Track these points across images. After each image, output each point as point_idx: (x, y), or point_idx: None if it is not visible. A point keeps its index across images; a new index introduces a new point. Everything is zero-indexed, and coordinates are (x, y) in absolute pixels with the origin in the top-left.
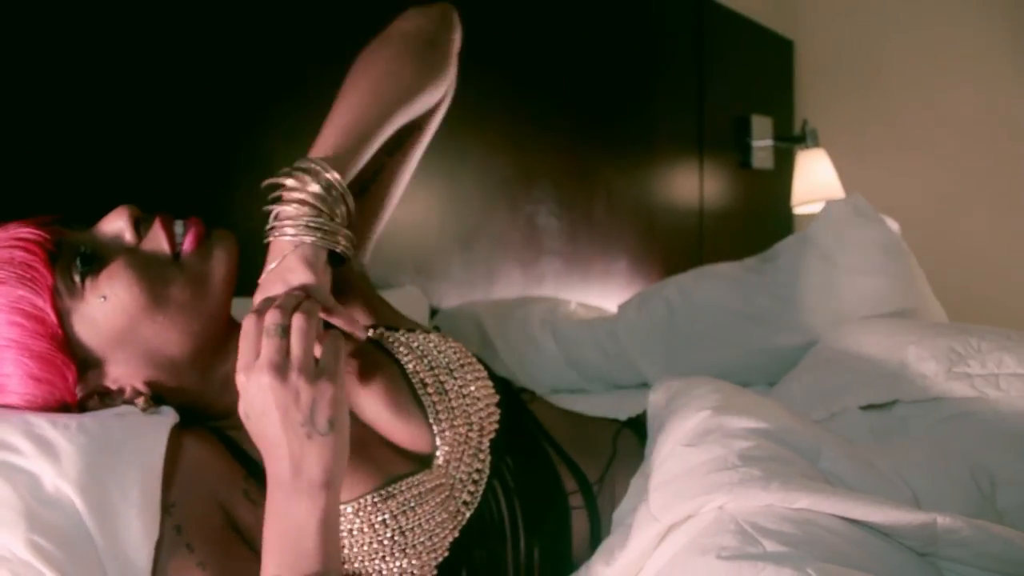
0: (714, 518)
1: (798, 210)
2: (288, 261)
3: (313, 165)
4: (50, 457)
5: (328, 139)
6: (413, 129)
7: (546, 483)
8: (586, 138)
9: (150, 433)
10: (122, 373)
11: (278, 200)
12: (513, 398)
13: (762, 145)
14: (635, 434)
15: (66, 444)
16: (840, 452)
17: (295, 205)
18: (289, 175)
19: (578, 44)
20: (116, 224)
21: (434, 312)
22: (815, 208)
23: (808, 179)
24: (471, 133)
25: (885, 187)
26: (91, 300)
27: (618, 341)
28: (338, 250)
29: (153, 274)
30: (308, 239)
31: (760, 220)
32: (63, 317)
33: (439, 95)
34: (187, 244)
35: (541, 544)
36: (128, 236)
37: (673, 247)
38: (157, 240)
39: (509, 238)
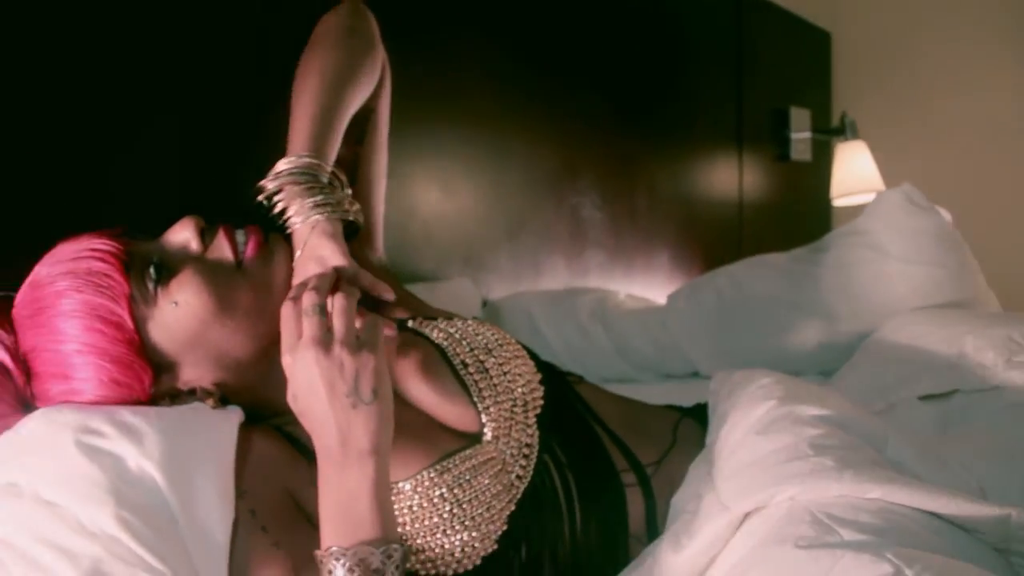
0: (788, 509)
1: (837, 202)
2: (312, 241)
3: (296, 160)
4: (133, 439)
5: (299, 132)
6: (369, 114)
7: (596, 459)
8: (628, 132)
9: (221, 423)
10: (193, 375)
11: (272, 198)
12: (558, 378)
13: (800, 137)
14: (696, 423)
15: (147, 428)
16: (906, 441)
17: (295, 198)
18: (277, 177)
19: (619, 40)
20: (182, 235)
21: (484, 303)
22: (854, 200)
23: (847, 171)
24: (517, 129)
25: (924, 178)
26: (164, 307)
27: (668, 331)
28: (351, 218)
29: (220, 280)
30: (321, 216)
31: (798, 212)
32: (139, 323)
33: (375, 72)
34: (249, 251)
35: (597, 517)
36: (194, 245)
37: (713, 239)
38: (221, 249)
39: (555, 231)
